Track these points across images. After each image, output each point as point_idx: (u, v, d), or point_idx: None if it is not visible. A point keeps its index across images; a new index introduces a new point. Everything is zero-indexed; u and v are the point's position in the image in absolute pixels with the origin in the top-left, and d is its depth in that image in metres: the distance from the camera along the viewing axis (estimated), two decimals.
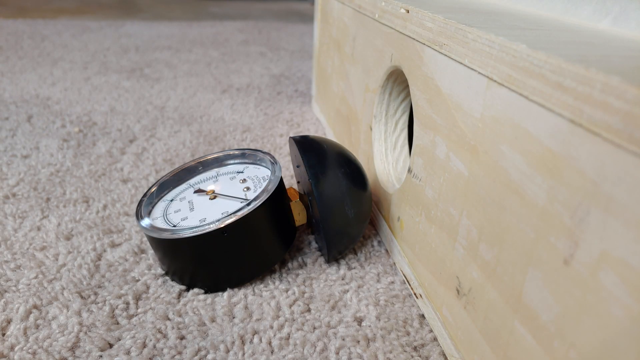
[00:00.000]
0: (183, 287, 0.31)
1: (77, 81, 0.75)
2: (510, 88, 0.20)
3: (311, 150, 0.33)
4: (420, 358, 0.27)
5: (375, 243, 0.37)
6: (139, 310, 0.29)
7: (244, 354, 0.26)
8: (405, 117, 0.39)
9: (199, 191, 0.35)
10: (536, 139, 0.18)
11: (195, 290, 0.31)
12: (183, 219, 0.32)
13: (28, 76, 0.76)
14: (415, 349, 0.27)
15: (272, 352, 0.27)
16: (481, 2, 0.38)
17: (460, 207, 0.25)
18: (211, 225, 0.29)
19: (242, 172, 0.36)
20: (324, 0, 0.60)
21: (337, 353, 0.27)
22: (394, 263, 0.35)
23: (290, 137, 0.35)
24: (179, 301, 0.30)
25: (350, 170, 0.33)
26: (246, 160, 0.37)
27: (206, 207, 0.33)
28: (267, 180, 0.33)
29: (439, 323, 0.27)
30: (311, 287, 0.32)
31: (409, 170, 0.32)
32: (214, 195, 0.34)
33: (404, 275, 0.33)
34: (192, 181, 0.36)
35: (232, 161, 0.37)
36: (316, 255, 0.35)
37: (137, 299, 0.30)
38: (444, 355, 0.27)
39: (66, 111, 0.62)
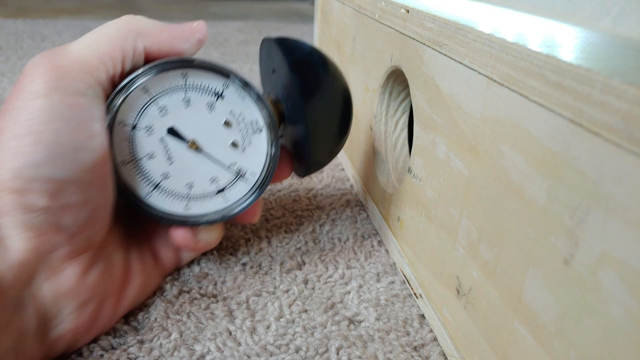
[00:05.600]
0: (183, 287, 0.31)
1: None
2: (510, 88, 0.20)
3: (294, 51, 0.30)
4: (420, 358, 0.27)
5: (375, 243, 0.37)
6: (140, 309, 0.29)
7: (243, 354, 0.26)
8: (405, 117, 0.39)
9: (173, 133, 0.28)
10: (536, 139, 0.18)
11: (195, 290, 0.31)
12: (164, 176, 0.28)
13: None
14: (415, 349, 0.27)
15: (271, 354, 0.27)
16: (484, 7, 0.38)
17: (460, 207, 0.25)
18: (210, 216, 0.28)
19: (222, 96, 0.28)
20: (324, 0, 0.60)
21: (337, 353, 0.27)
22: (394, 263, 0.35)
23: (264, 39, 0.32)
24: (177, 300, 0.30)
25: (337, 76, 0.31)
26: (227, 80, 0.28)
27: (187, 161, 0.28)
28: (264, 161, 0.29)
29: (439, 323, 0.27)
30: (311, 287, 0.32)
31: (409, 170, 0.32)
32: (194, 146, 0.28)
33: (404, 275, 0.33)
34: (148, 85, 0.27)
35: (208, 68, 0.28)
36: (316, 255, 0.35)
37: None
38: (444, 355, 0.27)
39: None
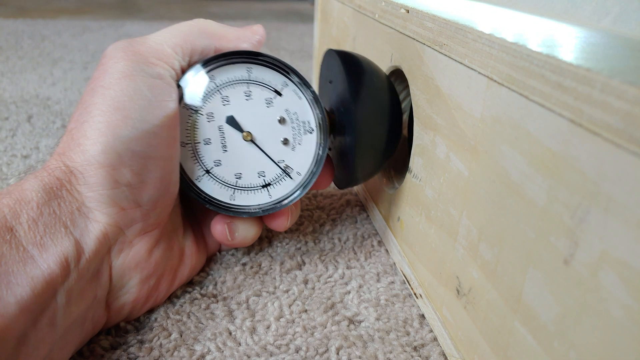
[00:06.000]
0: (184, 288, 0.31)
1: (77, 81, 0.75)
2: (510, 88, 0.20)
3: (352, 62, 0.31)
4: (420, 358, 0.27)
5: (375, 243, 0.37)
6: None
7: (243, 354, 0.26)
8: (405, 117, 0.39)
9: (231, 122, 0.29)
10: (536, 139, 0.18)
11: (196, 290, 0.31)
12: (216, 163, 0.29)
13: (28, 76, 0.76)
14: (415, 349, 0.27)
15: (271, 354, 0.27)
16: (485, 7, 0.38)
17: (460, 207, 0.25)
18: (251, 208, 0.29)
19: (280, 94, 0.30)
20: (324, 0, 0.60)
21: (337, 353, 0.27)
22: (394, 263, 0.35)
23: (328, 49, 0.33)
24: (178, 299, 0.30)
25: (391, 94, 0.31)
26: (289, 77, 0.30)
27: (240, 152, 0.29)
28: (311, 162, 0.30)
29: (439, 323, 0.27)
30: (311, 287, 0.32)
31: (409, 170, 0.32)
32: (249, 138, 0.30)
33: (404, 275, 0.33)
34: (215, 74, 0.29)
35: (272, 69, 0.30)
36: (316, 255, 0.35)
37: None
38: (444, 355, 0.27)
39: (66, 111, 0.62)
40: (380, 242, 0.37)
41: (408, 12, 0.31)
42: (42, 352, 0.21)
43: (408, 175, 0.32)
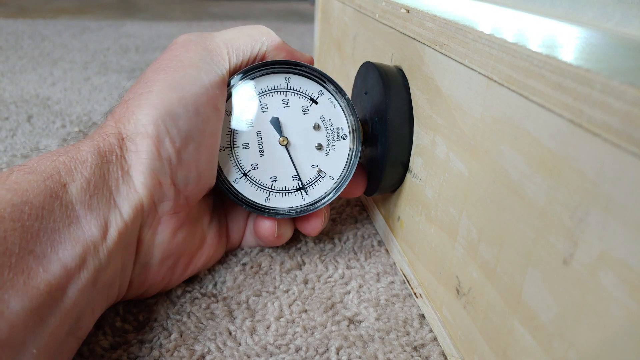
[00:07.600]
0: (184, 288, 0.31)
1: (77, 81, 0.75)
2: (510, 88, 0.20)
3: (390, 75, 0.32)
4: (420, 358, 0.27)
5: (375, 243, 0.37)
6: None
7: (243, 354, 0.26)
8: None
9: (275, 123, 0.31)
10: (536, 139, 0.19)
11: (196, 290, 0.31)
12: (253, 167, 0.31)
13: (28, 76, 0.76)
14: (415, 349, 0.27)
15: (271, 354, 0.27)
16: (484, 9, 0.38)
17: (460, 207, 0.25)
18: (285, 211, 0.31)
19: (316, 102, 0.31)
20: (325, 0, 0.60)
21: (337, 353, 0.27)
22: (394, 263, 0.35)
23: (366, 62, 0.34)
24: (178, 299, 0.30)
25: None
26: (325, 86, 0.31)
27: (276, 156, 0.31)
28: (343, 167, 0.31)
29: (439, 323, 0.27)
30: (311, 287, 0.32)
31: (409, 170, 0.32)
32: (284, 143, 0.31)
33: (404, 275, 0.33)
34: (257, 83, 0.31)
35: (309, 78, 0.31)
36: (316, 255, 0.35)
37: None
38: (444, 355, 0.27)
39: (66, 111, 0.62)
40: (380, 242, 0.37)
41: (408, 12, 0.31)
42: (79, 309, 0.22)
43: (408, 175, 0.32)
